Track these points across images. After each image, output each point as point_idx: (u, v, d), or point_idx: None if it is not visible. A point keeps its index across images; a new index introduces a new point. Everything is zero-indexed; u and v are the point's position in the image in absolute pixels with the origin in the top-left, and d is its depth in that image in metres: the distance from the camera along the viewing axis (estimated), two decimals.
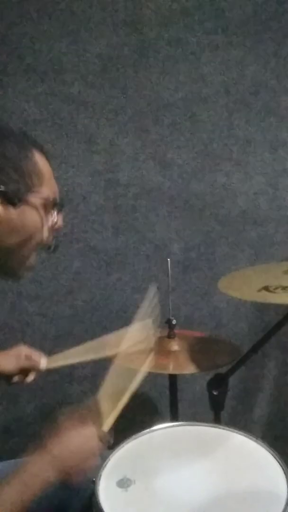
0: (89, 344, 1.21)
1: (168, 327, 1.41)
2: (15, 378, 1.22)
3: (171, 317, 1.41)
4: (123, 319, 1.79)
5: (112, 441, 0.95)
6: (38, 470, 0.82)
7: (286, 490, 0.91)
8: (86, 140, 1.74)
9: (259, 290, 1.15)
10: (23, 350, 1.24)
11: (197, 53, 1.70)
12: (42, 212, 0.88)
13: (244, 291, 1.22)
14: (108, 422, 0.94)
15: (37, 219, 0.88)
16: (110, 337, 1.16)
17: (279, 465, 0.98)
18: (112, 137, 1.74)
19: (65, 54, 1.69)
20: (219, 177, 1.76)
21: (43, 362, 1.21)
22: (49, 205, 0.90)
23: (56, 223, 0.93)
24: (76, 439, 0.87)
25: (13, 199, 0.84)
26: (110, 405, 0.97)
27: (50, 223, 0.91)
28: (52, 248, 0.95)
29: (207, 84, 1.72)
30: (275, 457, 1.01)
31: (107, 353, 1.07)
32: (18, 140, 0.88)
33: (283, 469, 0.97)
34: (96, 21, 1.68)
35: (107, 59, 1.70)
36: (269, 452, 1.03)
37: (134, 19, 1.68)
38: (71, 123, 1.72)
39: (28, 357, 1.23)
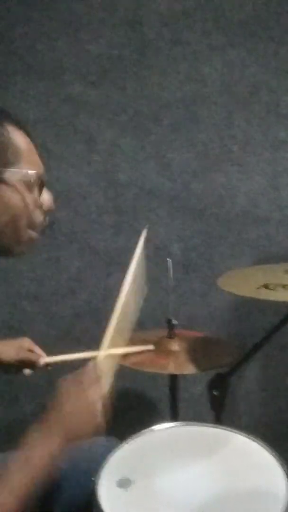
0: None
1: (168, 327, 1.41)
2: (12, 370, 1.20)
3: (171, 317, 1.41)
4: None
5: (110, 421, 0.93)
6: (41, 443, 0.80)
7: (286, 491, 0.90)
8: (86, 140, 1.74)
9: (259, 288, 1.15)
10: (26, 342, 1.22)
11: (197, 53, 1.70)
12: (23, 190, 0.84)
13: (243, 288, 1.22)
14: (107, 378, 0.93)
15: (17, 197, 0.83)
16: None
17: (279, 466, 0.98)
18: (112, 137, 1.74)
19: (65, 54, 1.69)
20: (219, 177, 1.76)
21: (44, 358, 1.19)
22: (31, 183, 0.85)
23: (43, 202, 0.89)
24: (75, 403, 0.84)
25: None
26: (109, 363, 0.96)
27: (35, 202, 0.87)
28: (47, 228, 0.91)
29: (207, 84, 1.72)
30: (275, 458, 1.01)
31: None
32: None
33: (283, 469, 0.97)
34: (96, 21, 1.68)
35: (107, 59, 1.70)
36: (269, 453, 1.02)
37: (134, 19, 1.69)
38: (71, 123, 1.72)
39: (29, 350, 1.21)
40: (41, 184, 0.89)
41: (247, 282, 1.24)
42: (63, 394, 0.85)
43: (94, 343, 1.77)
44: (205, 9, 1.68)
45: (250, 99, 1.73)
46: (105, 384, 0.91)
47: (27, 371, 1.20)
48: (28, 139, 0.87)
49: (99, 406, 0.86)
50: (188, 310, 1.79)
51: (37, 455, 0.79)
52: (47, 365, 1.22)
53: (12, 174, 0.82)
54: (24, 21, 1.67)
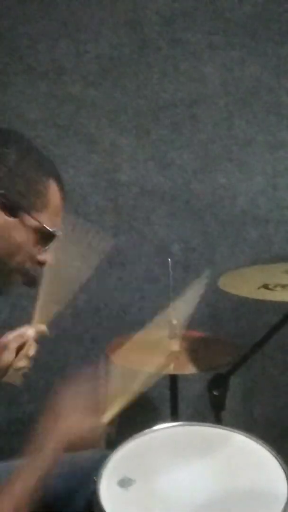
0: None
1: (169, 328, 1.41)
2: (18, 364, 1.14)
3: (171, 317, 1.41)
4: (124, 320, 1.80)
5: (113, 435, 0.94)
6: (42, 454, 0.81)
7: (287, 491, 0.91)
8: (87, 140, 1.74)
9: (258, 288, 1.15)
10: (9, 336, 1.17)
11: (197, 53, 1.70)
12: (31, 236, 0.89)
13: (243, 288, 1.22)
14: (109, 415, 0.93)
15: (23, 238, 0.88)
16: None
17: (280, 465, 0.98)
18: (112, 137, 1.74)
19: (65, 54, 1.69)
20: (219, 177, 1.76)
21: (30, 330, 1.14)
22: (44, 235, 0.91)
23: (42, 256, 0.93)
24: (75, 415, 0.85)
25: (9, 208, 0.85)
26: (114, 399, 0.96)
27: (35, 251, 0.91)
28: (32, 283, 0.96)
29: (207, 84, 1.72)
30: (275, 457, 1.01)
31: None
32: (41, 163, 0.91)
33: (283, 469, 0.97)
34: (97, 21, 1.68)
35: (107, 59, 1.70)
36: (270, 452, 1.03)
37: (134, 19, 1.69)
38: (71, 124, 1.72)
39: (17, 337, 1.16)
40: (49, 241, 0.93)
41: (247, 282, 1.24)
42: (62, 406, 0.86)
43: (94, 343, 1.78)
44: (205, 9, 1.68)
45: (250, 99, 1.73)
46: (107, 415, 0.91)
47: (31, 351, 1.14)
48: (61, 199, 0.93)
49: (98, 420, 0.87)
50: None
51: (38, 466, 0.80)
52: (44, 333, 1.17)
53: (31, 219, 0.87)
54: (24, 21, 1.67)
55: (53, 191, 0.90)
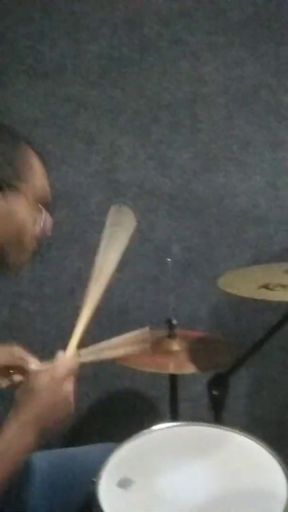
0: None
1: (168, 327, 1.41)
2: (4, 382, 1.15)
3: (171, 317, 1.41)
4: (124, 319, 1.80)
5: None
6: (15, 434, 0.81)
7: (286, 491, 0.91)
8: (86, 140, 1.74)
9: (259, 288, 1.15)
10: (17, 349, 1.19)
11: (197, 53, 1.70)
12: (29, 207, 0.87)
13: (243, 288, 1.22)
14: (71, 345, 0.96)
15: (26, 209, 0.86)
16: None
17: (279, 466, 0.98)
18: (112, 137, 1.74)
19: (65, 54, 1.69)
20: (219, 177, 1.76)
21: (34, 366, 1.13)
22: (39, 202, 0.89)
23: (45, 224, 0.91)
24: (49, 398, 0.86)
25: (0, 184, 0.82)
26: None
27: (38, 220, 0.90)
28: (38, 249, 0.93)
29: (207, 84, 1.72)
30: (275, 458, 1.01)
31: None
32: (12, 136, 0.88)
33: (283, 469, 0.97)
34: (96, 21, 1.68)
35: (107, 59, 1.70)
36: (269, 453, 1.02)
37: (134, 19, 1.68)
38: (71, 123, 1.72)
39: (20, 357, 1.17)
40: (46, 206, 0.91)
41: (247, 282, 1.24)
42: (35, 389, 0.87)
43: (94, 343, 1.77)
44: (205, 8, 1.68)
45: (250, 99, 1.73)
46: (69, 347, 0.95)
47: (17, 378, 1.14)
48: (42, 165, 0.91)
49: (71, 399, 0.88)
50: (188, 309, 1.80)
51: (12, 450, 0.80)
52: None
53: (26, 187, 0.85)
54: (24, 21, 1.67)
55: (33, 160, 0.88)
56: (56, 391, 0.86)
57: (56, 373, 0.89)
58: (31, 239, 0.90)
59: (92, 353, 0.99)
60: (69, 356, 0.94)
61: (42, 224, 0.91)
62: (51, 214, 0.95)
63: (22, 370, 1.12)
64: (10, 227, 0.85)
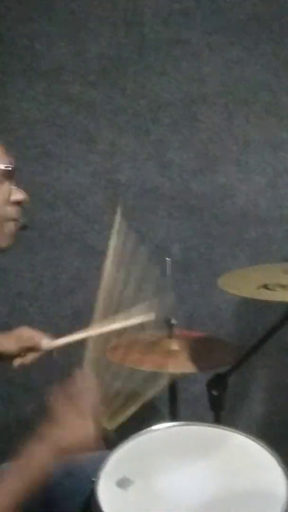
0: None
1: (167, 327, 1.41)
2: (17, 360, 1.19)
3: (170, 317, 1.41)
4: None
5: (111, 438, 0.94)
6: (36, 457, 0.81)
7: (286, 491, 0.90)
8: (86, 140, 1.74)
9: (258, 288, 1.15)
10: (25, 331, 1.21)
11: (197, 53, 1.70)
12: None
13: (243, 288, 1.22)
14: (114, 421, 0.93)
15: None
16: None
17: (279, 466, 0.98)
18: (111, 137, 1.74)
19: (64, 54, 1.69)
20: (218, 177, 1.76)
21: (45, 342, 1.17)
22: (5, 175, 0.87)
23: (15, 196, 0.90)
24: (68, 418, 0.85)
25: None
26: (118, 404, 0.96)
27: (4, 194, 0.88)
28: (26, 226, 0.92)
29: (207, 84, 1.72)
30: (275, 458, 1.01)
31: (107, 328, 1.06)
32: None
33: (283, 469, 0.97)
34: (96, 21, 1.68)
35: (106, 59, 1.70)
36: (269, 453, 1.02)
37: (134, 19, 1.68)
38: (70, 123, 1.72)
39: (29, 338, 1.19)
40: (9, 177, 0.89)
41: (247, 283, 1.24)
42: (55, 410, 0.86)
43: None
44: (205, 8, 1.68)
45: (250, 99, 1.73)
46: (111, 422, 0.93)
47: (29, 358, 1.18)
48: None
49: (91, 418, 0.86)
50: (187, 310, 1.79)
51: (34, 465, 0.80)
52: (51, 351, 1.19)
53: None
54: (24, 21, 1.67)
55: None
56: (73, 413, 0.86)
57: (72, 393, 0.89)
58: (7, 217, 0.89)
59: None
60: (83, 372, 0.95)
61: (8, 196, 0.89)
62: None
63: (34, 349, 1.15)
64: None
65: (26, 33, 1.67)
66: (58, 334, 1.81)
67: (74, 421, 0.85)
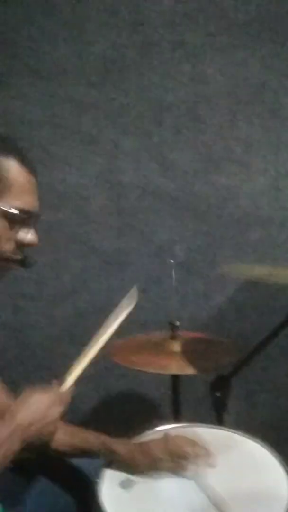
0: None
1: (170, 328, 1.41)
2: None
3: (174, 318, 1.41)
4: (124, 320, 1.80)
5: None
6: (5, 437, 0.82)
7: (287, 492, 0.91)
8: (89, 142, 1.74)
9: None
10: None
11: (200, 54, 1.70)
12: (2, 223, 0.85)
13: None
14: (68, 382, 0.96)
15: None
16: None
17: (281, 467, 0.98)
18: (114, 138, 1.74)
19: (67, 55, 1.70)
20: (221, 178, 1.76)
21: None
22: (14, 218, 0.86)
23: (23, 239, 0.89)
24: (37, 402, 0.88)
25: None
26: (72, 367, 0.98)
27: (14, 236, 0.88)
28: (24, 264, 0.91)
29: (210, 85, 1.72)
30: (277, 459, 1.01)
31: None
32: None
33: (285, 471, 0.97)
34: (99, 23, 1.69)
35: (109, 61, 1.70)
36: (272, 454, 1.02)
37: (136, 20, 1.69)
38: (73, 125, 1.73)
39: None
40: (25, 219, 0.88)
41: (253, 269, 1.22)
42: (23, 397, 0.88)
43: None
44: (208, 10, 1.68)
45: (253, 101, 1.73)
46: (66, 382, 0.95)
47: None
48: (28, 177, 0.88)
49: (58, 407, 0.90)
50: (190, 311, 1.79)
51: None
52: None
53: None
54: (26, 22, 1.67)
55: (14, 171, 0.86)
56: (49, 409, 0.88)
57: (51, 396, 0.91)
58: (4, 253, 0.88)
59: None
60: (64, 390, 0.95)
61: (18, 237, 0.89)
62: (34, 228, 0.92)
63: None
64: None
65: (28, 34, 1.67)
66: (59, 336, 1.83)
67: (39, 401, 0.88)
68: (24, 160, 0.88)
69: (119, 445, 1.01)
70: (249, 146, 1.75)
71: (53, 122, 1.72)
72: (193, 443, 1.00)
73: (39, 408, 0.87)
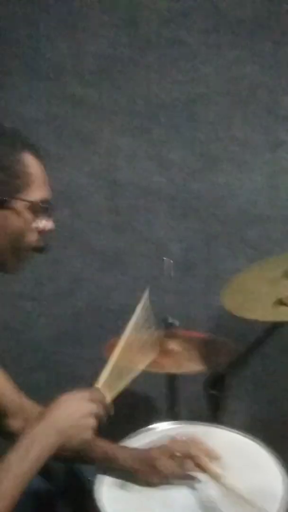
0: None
1: (167, 327, 1.41)
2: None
3: (170, 317, 1.42)
4: (123, 320, 1.80)
5: (111, 412, 0.93)
6: (38, 435, 0.82)
7: (285, 491, 0.91)
8: (86, 140, 1.74)
9: (273, 306, 1.11)
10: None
11: (196, 53, 1.70)
12: (28, 215, 0.88)
13: (256, 309, 1.18)
14: (111, 394, 0.94)
15: (19, 224, 0.88)
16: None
17: (278, 465, 0.98)
18: (111, 137, 1.74)
19: (64, 54, 1.69)
20: (218, 177, 1.76)
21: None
22: (38, 209, 0.90)
23: (45, 227, 0.92)
24: (73, 404, 0.87)
25: None
26: (113, 380, 0.97)
27: (38, 226, 0.91)
28: (44, 250, 0.94)
29: (206, 84, 1.72)
30: (273, 457, 1.01)
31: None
32: (9, 140, 0.88)
33: (281, 468, 0.97)
34: (95, 21, 1.68)
35: (106, 59, 1.70)
36: (268, 452, 1.03)
37: (133, 19, 1.69)
38: (70, 124, 1.73)
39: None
40: (47, 208, 0.92)
41: (257, 300, 1.20)
42: (60, 399, 0.87)
43: (94, 343, 1.77)
44: (204, 9, 1.68)
45: (249, 99, 1.73)
46: (108, 395, 0.93)
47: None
48: (41, 167, 0.91)
49: (94, 412, 0.88)
50: (187, 309, 1.80)
51: (36, 449, 0.81)
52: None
53: (20, 202, 0.87)
54: (24, 22, 1.67)
55: (31, 164, 0.88)
56: (77, 412, 0.87)
57: (83, 397, 0.90)
58: (27, 246, 0.91)
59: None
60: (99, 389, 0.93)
61: (41, 227, 0.92)
62: (52, 215, 0.95)
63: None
64: (5, 241, 0.88)
65: (26, 34, 1.67)
66: (58, 336, 1.83)
67: (75, 407, 0.87)
68: (37, 152, 0.91)
69: (123, 455, 0.98)
70: (246, 145, 1.75)
71: (50, 120, 1.72)
72: (198, 447, 0.97)
73: (76, 412, 0.86)
